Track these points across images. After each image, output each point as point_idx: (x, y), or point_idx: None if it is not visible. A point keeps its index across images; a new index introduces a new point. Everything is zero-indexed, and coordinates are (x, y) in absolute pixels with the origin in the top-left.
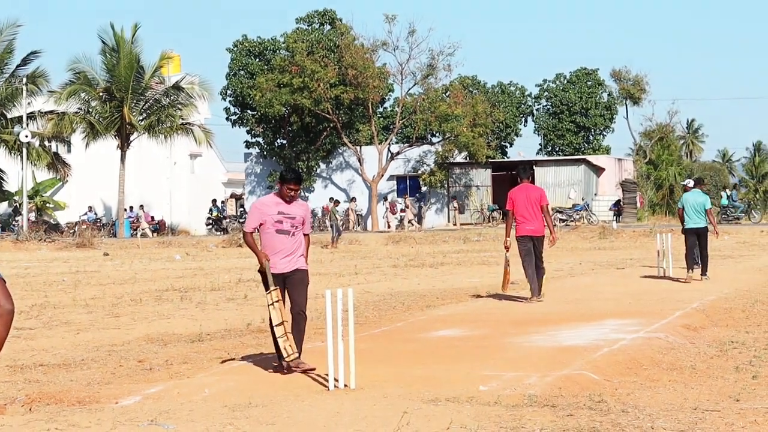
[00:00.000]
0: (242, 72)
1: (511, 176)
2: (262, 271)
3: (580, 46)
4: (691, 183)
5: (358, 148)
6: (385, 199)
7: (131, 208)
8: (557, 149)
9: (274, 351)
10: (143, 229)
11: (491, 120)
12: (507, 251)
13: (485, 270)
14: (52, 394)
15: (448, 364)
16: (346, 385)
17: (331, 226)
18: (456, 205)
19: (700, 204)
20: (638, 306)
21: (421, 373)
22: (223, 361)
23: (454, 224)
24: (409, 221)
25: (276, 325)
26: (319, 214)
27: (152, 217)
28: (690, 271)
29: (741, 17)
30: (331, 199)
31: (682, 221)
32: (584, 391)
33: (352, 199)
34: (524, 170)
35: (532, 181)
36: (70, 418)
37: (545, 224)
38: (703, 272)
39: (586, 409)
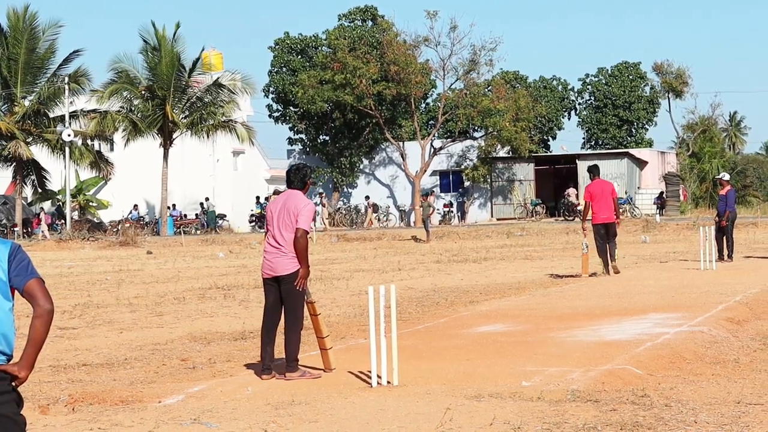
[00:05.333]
0: (284, 69)
1: (555, 170)
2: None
3: (622, 40)
4: (726, 176)
5: (400, 143)
6: (322, 194)
7: (174, 206)
8: (600, 143)
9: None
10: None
11: (534, 114)
12: (585, 236)
13: (528, 265)
14: (95, 393)
15: (490, 359)
16: (389, 382)
17: (424, 221)
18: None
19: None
20: (681, 299)
21: (463, 369)
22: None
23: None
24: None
25: (326, 336)
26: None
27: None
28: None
29: None
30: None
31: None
32: (627, 385)
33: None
34: (596, 169)
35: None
36: (113, 417)
37: (614, 211)
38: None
39: (629, 403)
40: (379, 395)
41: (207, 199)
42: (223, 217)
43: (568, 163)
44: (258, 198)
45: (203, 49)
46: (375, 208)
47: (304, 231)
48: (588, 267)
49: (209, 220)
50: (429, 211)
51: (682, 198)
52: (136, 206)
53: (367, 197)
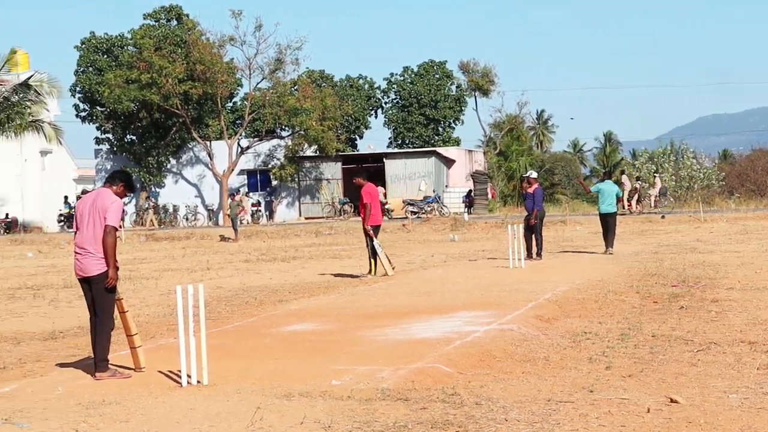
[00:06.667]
0: (91, 69)
1: (362, 169)
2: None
3: (428, 39)
4: (534, 174)
5: (207, 143)
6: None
7: None
8: (407, 142)
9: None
10: None
11: (340, 113)
12: (375, 238)
13: (337, 263)
14: None
15: (301, 359)
16: (198, 381)
17: (232, 220)
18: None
19: (613, 192)
20: (490, 298)
21: (274, 368)
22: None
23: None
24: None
25: (135, 335)
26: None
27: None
28: (607, 248)
29: (588, 8)
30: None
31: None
32: (437, 384)
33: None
34: (366, 173)
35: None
36: None
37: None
38: (610, 246)
39: (439, 402)
40: (189, 395)
41: None
42: None
43: (375, 162)
44: (66, 198)
45: (16, 52)
46: (156, 209)
47: (112, 228)
48: (390, 265)
49: None
50: (237, 210)
51: (490, 196)
52: None
53: (148, 197)
